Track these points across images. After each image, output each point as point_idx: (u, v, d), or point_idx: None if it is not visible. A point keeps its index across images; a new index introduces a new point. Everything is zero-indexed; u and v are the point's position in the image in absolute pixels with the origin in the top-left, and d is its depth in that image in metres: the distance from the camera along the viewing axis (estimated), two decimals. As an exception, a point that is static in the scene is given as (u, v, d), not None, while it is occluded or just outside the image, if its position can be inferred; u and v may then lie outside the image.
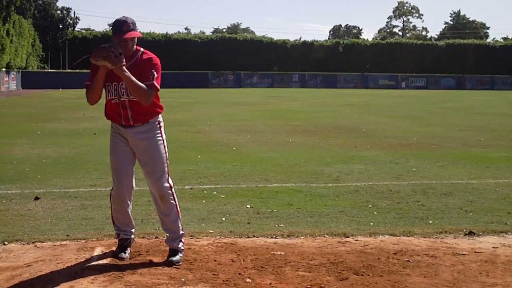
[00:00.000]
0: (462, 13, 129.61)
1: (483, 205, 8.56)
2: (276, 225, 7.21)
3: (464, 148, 15.50)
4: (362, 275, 5.33)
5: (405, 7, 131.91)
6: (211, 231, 6.83)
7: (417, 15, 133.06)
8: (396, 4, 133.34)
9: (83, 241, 6.43)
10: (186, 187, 9.65)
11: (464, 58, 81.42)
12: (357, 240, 6.55)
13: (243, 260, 5.71)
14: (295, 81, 73.89)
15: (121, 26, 5.42)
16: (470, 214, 7.97)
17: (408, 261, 5.75)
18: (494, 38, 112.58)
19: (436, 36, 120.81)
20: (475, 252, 6.12)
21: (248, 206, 8.26)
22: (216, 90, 61.29)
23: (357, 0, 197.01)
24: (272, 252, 5.98)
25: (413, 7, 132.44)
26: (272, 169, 11.59)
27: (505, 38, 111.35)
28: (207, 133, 18.54)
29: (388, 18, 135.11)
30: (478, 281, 5.22)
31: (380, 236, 6.74)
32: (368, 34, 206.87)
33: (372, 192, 9.41)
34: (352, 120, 24.49)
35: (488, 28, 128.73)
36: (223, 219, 7.51)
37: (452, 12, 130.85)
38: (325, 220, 7.51)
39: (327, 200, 8.75)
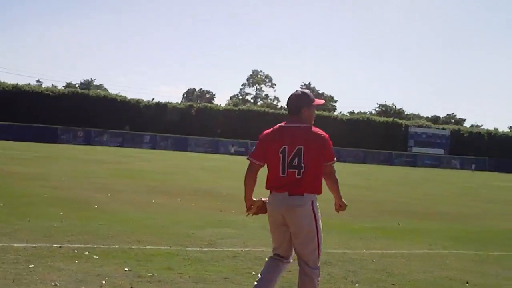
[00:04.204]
0: (312, 85, 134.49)
1: (366, 275, 8.52)
2: (162, 291, 6.78)
3: (333, 217, 15.64)
4: None
5: (259, 76, 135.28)
6: (96, 298, 6.29)
7: (270, 84, 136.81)
8: (251, 72, 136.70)
9: None
10: (54, 245, 8.97)
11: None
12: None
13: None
14: (146, 142, 73.11)
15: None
16: (357, 285, 7.89)
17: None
18: (341, 112, 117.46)
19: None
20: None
21: (126, 269, 7.73)
22: (66, 146, 59.32)
23: (212, 66, 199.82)
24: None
25: (267, 76, 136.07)
26: (142, 230, 11.08)
27: (351, 112, 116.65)
28: (64, 189, 17.63)
29: (242, 85, 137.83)
30: None
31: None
32: (221, 100, 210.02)
33: (251, 258, 9.14)
34: (209, 183, 24.30)
35: (336, 101, 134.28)
36: (103, 282, 6.97)
37: (303, 84, 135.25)
38: (212, 287, 7.16)
39: (207, 265, 8.38)
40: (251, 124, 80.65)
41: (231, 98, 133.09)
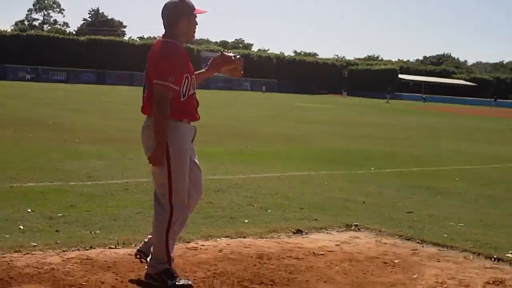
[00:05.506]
0: (101, 11, 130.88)
1: (268, 201, 8.36)
2: (91, 232, 6.15)
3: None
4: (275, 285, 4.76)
5: (46, 1, 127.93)
6: (34, 244, 5.53)
7: (58, 9, 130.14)
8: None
9: None
10: None
11: (104, 54, 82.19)
12: (202, 245, 5.87)
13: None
14: None
15: None
16: (269, 211, 7.70)
17: (280, 265, 5.28)
18: (130, 37, 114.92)
19: (74, 32, 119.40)
20: (329, 251, 5.86)
21: (29, 210, 6.96)
22: None
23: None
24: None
25: (54, 2, 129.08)
26: (4, 165, 10.14)
27: (140, 38, 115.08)
28: None
29: (28, 11, 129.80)
30: (374, 282, 4.97)
31: (218, 239, 6.13)
32: (7, 25, 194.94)
33: (145, 189, 8.55)
34: (26, 112, 23.00)
35: (125, 27, 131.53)
36: (21, 227, 6.18)
37: (91, 10, 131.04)
38: (128, 224, 6.61)
39: (108, 201, 7.78)
40: (42, 50, 77.53)
41: (16, 24, 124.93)
